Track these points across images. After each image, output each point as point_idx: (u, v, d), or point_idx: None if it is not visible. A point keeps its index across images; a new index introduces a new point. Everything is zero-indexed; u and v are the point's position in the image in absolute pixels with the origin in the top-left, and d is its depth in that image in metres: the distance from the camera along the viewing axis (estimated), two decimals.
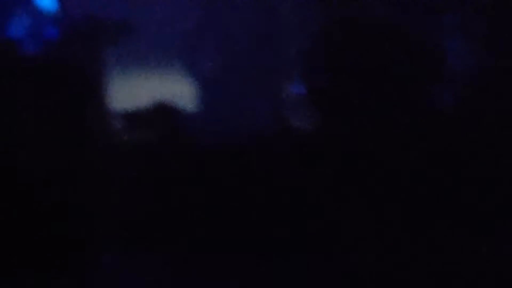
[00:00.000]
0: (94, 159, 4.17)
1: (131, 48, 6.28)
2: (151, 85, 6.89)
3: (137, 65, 6.98)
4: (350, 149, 4.32)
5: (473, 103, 4.78)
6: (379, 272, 3.96)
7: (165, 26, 7.13)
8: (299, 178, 4.23)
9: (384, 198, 4.06)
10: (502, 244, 3.87)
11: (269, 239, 4.11)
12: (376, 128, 4.66)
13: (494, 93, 4.69)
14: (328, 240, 4.04)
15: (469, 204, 3.99)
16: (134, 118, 5.88)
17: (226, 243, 4.20)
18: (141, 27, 6.10)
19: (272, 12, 5.22)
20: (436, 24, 5.08)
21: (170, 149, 5.17)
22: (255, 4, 5.86)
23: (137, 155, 5.23)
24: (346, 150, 4.31)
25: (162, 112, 5.81)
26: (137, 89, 6.73)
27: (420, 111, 4.85)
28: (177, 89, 6.82)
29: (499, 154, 3.96)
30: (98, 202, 4.21)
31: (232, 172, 4.39)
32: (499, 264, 3.85)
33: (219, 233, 4.23)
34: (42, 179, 3.86)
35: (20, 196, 3.81)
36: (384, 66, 4.96)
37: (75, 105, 4.09)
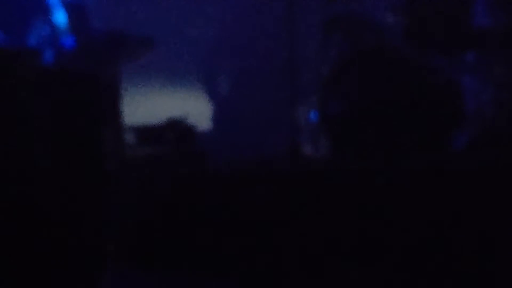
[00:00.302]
0: (108, 171, 3.98)
1: (149, 63, 6.19)
2: (168, 101, 6.78)
3: (154, 81, 6.88)
4: (362, 179, 4.21)
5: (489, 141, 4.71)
6: None
7: (184, 44, 7.04)
8: (311, 204, 4.11)
9: (392, 232, 3.98)
10: None
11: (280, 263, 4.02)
12: (389, 160, 4.56)
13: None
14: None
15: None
16: (149, 132, 5.76)
17: (233, 264, 4.12)
18: (160, 42, 6.02)
19: (291, 38, 5.18)
20: (452, 62, 4.97)
21: (184, 166, 5.05)
22: (274, 28, 5.80)
23: (151, 169, 5.14)
24: (359, 181, 4.21)
25: (177, 129, 5.68)
26: (153, 104, 6.62)
27: (435, 146, 4.77)
28: (193, 107, 6.70)
29: None
30: (110, 213, 4.00)
31: (244, 192, 4.27)
32: None
33: (228, 254, 4.15)
34: (57, 186, 3.67)
35: (32, 200, 3.70)
36: (401, 98, 4.87)
37: (92, 117, 3.92)
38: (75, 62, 5.85)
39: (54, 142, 3.69)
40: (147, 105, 6.49)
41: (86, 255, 3.63)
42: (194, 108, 7.04)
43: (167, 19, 6.77)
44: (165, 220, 4.19)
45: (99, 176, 3.87)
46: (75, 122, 3.82)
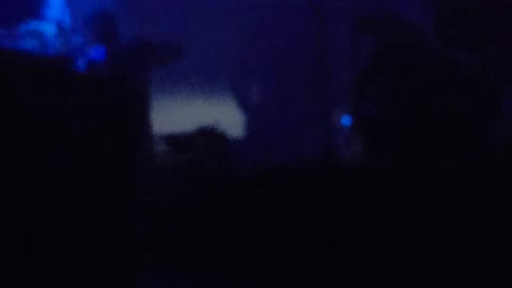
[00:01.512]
0: (138, 180, 4.04)
1: (179, 71, 6.21)
2: (200, 107, 6.78)
3: (184, 88, 6.89)
4: (398, 183, 4.21)
5: None
6: None
7: (214, 50, 7.06)
8: (346, 207, 4.12)
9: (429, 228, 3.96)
10: None
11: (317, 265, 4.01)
12: (426, 160, 4.55)
13: None
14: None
15: None
16: (181, 139, 5.77)
17: (269, 266, 4.12)
18: (189, 50, 6.05)
19: (322, 42, 5.19)
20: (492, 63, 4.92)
21: (215, 174, 5.07)
22: (305, 33, 5.81)
23: (181, 177, 5.14)
24: (394, 184, 4.21)
25: (208, 136, 5.70)
26: (185, 111, 6.62)
27: (474, 148, 4.74)
28: (225, 113, 6.70)
29: None
30: (141, 220, 4.08)
31: (277, 197, 4.27)
32: None
33: (263, 256, 4.15)
34: (90, 194, 3.64)
35: (65, 209, 3.70)
36: (436, 100, 4.86)
37: (123, 124, 3.95)
38: (106, 70, 5.92)
39: (86, 150, 3.68)
40: (178, 111, 6.54)
41: (122, 260, 3.63)
42: (226, 114, 7.05)
43: (198, 25, 6.80)
44: (197, 225, 4.22)
45: (132, 183, 3.86)
46: (106, 129, 3.80)
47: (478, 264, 3.63)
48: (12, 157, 3.42)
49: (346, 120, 5.58)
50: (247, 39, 7.35)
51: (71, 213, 3.51)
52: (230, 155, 5.77)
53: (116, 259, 3.60)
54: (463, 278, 3.63)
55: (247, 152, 6.14)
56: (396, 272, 3.70)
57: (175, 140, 5.76)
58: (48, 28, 5.19)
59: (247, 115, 7.35)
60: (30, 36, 5.11)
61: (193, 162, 5.56)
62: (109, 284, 3.60)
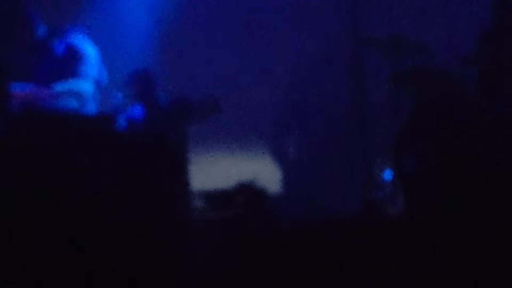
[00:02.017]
0: (177, 235, 4.05)
1: (216, 126, 6.23)
2: (237, 164, 6.77)
3: (222, 144, 6.89)
4: (440, 239, 4.16)
5: None
6: None
7: (251, 105, 7.07)
8: (385, 263, 4.07)
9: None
10: None
11: None
12: (468, 216, 4.49)
13: None
14: None
15: None
16: (218, 197, 5.75)
17: None
18: (226, 106, 6.07)
19: (362, 96, 5.18)
20: None
21: (255, 231, 5.02)
22: (344, 87, 5.81)
23: (219, 234, 5.09)
24: (436, 241, 4.16)
25: (247, 193, 5.68)
26: (221, 167, 6.62)
27: None
28: (262, 170, 6.69)
29: None
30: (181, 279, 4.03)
31: (316, 253, 4.24)
32: None
33: None
34: (129, 250, 3.77)
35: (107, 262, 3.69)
36: (479, 154, 4.80)
37: (161, 180, 4.00)
38: (145, 127, 5.99)
39: (125, 207, 3.80)
40: (216, 168, 6.56)
41: None
42: (264, 169, 7.12)
43: (233, 81, 6.89)
44: (236, 283, 4.18)
45: (170, 241, 3.93)
46: (146, 186, 3.91)
47: None
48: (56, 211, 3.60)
49: (387, 175, 5.58)
50: (285, 94, 7.38)
51: (115, 271, 3.66)
52: (270, 211, 5.76)
53: None
54: None
55: (286, 208, 6.14)
56: None
57: (213, 197, 5.80)
58: (86, 87, 5.26)
59: (286, 170, 7.38)
60: (69, 95, 5.19)
61: (232, 219, 5.52)
62: None
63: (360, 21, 5.35)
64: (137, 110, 6.22)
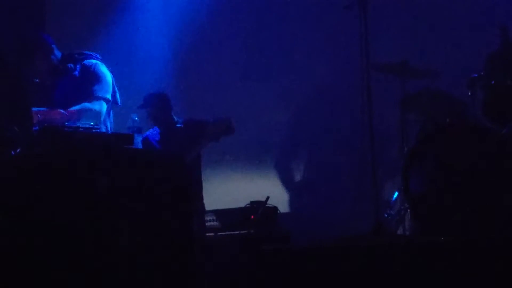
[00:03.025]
0: (191, 252, 4.04)
1: (232, 147, 6.22)
2: (252, 183, 6.77)
3: (237, 163, 6.88)
4: (450, 258, 4.06)
5: None
6: None
7: (266, 128, 7.03)
8: (396, 280, 3.92)
9: None
10: None
11: None
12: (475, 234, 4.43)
13: None
14: None
15: None
16: (232, 214, 5.73)
17: None
18: (242, 129, 6.07)
19: (369, 116, 5.14)
20: None
21: (268, 250, 5.01)
22: (354, 110, 5.71)
23: (233, 250, 5.11)
24: (447, 259, 4.06)
25: (262, 211, 5.67)
26: (234, 188, 6.62)
27: None
28: (275, 189, 6.70)
29: None
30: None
31: (328, 270, 4.09)
32: None
33: None
34: (148, 262, 3.82)
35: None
36: (485, 176, 4.70)
37: (175, 198, 4.04)
38: (161, 147, 6.07)
39: (138, 225, 3.83)
40: (230, 187, 6.62)
41: None
42: (276, 190, 7.10)
43: (246, 104, 6.95)
44: None
45: (185, 257, 3.94)
46: (160, 204, 3.94)
47: None
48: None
49: (396, 196, 5.57)
50: (299, 117, 7.38)
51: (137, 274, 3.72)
52: (282, 231, 5.77)
53: None
54: None
55: (299, 227, 6.06)
56: None
57: (226, 215, 5.82)
58: (99, 107, 5.27)
59: (297, 190, 7.38)
60: (83, 114, 5.15)
61: (246, 237, 5.59)
62: None
63: (372, 48, 5.32)
64: (154, 132, 6.28)
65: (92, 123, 5.06)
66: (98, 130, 4.95)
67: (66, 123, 4.91)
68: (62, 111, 5.12)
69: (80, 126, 5.00)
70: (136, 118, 6.17)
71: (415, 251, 4.05)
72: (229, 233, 5.69)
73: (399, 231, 5.33)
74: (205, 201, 5.76)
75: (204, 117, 6.01)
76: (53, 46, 5.38)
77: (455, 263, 3.84)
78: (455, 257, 3.86)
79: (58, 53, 5.38)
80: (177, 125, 6.17)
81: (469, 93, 5.07)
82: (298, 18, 7.18)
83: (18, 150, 4.25)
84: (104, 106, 5.30)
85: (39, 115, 4.98)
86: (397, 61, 5.56)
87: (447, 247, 3.99)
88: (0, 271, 3.66)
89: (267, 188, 6.81)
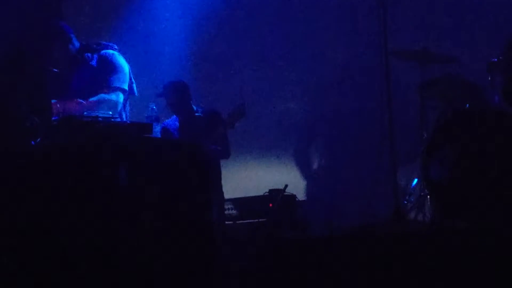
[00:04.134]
0: (211, 238, 4.06)
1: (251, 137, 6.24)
2: (270, 172, 6.76)
3: (257, 153, 6.86)
4: (465, 244, 4.08)
5: None
6: None
7: (284, 117, 7.00)
8: (413, 265, 3.87)
9: None
10: None
11: None
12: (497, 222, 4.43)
13: None
14: None
15: None
16: (248, 201, 5.67)
17: None
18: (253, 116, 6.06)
19: (389, 104, 5.15)
20: None
21: (288, 237, 5.04)
22: (373, 97, 5.68)
23: (251, 237, 5.11)
24: (462, 245, 4.08)
25: (280, 198, 5.67)
26: (255, 175, 6.62)
27: None
28: (293, 177, 6.70)
29: None
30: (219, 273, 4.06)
31: (347, 256, 4.11)
32: None
33: None
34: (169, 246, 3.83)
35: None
36: (505, 162, 4.70)
37: (193, 185, 4.08)
38: (179, 135, 6.12)
39: (159, 213, 3.86)
40: (248, 176, 6.67)
41: None
42: (294, 179, 7.15)
43: (263, 93, 7.01)
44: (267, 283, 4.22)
45: (206, 249, 3.99)
46: (179, 191, 3.97)
47: None
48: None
49: (415, 182, 5.55)
50: (318, 107, 7.40)
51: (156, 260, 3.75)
52: (301, 218, 5.79)
53: None
54: None
55: (317, 215, 6.14)
56: None
57: (245, 203, 5.88)
58: (116, 97, 5.31)
59: (315, 179, 7.41)
60: (101, 104, 5.22)
61: (264, 224, 5.64)
62: None
63: (391, 35, 5.34)
64: (172, 121, 6.35)
65: (110, 113, 5.20)
66: (117, 120, 5.01)
67: (85, 113, 4.90)
68: (81, 100, 5.16)
69: (99, 116, 5.10)
70: (154, 107, 6.20)
71: (436, 238, 4.02)
72: (248, 221, 5.72)
73: (419, 218, 5.30)
74: (224, 189, 5.80)
75: (221, 106, 6.09)
76: (72, 35, 5.38)
77: (474, 250, 3.80)
78: (475, 244, 3.82)
79: (76, 43, 5.39)
80: (196, 114, 6.20)
81: (489, 78, 5.04)
82: (316, 6, 7.19)
83: (38, 140, 4.25)
84: (121, 97, 5.32)
85: (58, 105, 5.03)
86: (417, 48, 5.55)
87: (467, 234, 3.97)
88: (31, 252, 3.67)
89: (284, 176, 6.87)
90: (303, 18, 7.23)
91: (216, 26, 7.39)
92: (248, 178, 6.54)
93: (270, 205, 5.74)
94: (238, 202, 5.89)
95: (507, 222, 4.38)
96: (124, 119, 5.40)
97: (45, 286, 3.70)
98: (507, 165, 4.62)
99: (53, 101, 4.97)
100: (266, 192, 5.92)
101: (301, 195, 6.48)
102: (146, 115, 5.69)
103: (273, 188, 5.94)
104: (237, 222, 5.76)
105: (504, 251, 3.77)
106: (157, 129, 5.79)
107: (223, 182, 5.81)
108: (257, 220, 5.69)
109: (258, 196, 5.89)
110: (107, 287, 3.64)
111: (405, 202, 5.53)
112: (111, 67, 5.35)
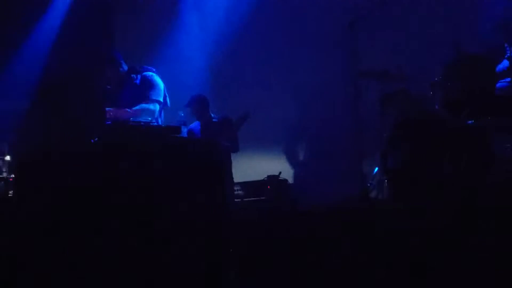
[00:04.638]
0: (226, 212, 4.07)
1: (251, 135, 6.24)
2: (267, 162, 6.70)
3: (256, 148, 6.78)
4: (415, 218, 3.88)
5: None
6: None
7: (276, 120, 6.87)
8: (375, 231, 3.86)
9: None
10: None
11: None
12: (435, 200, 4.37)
13: None
14: None
15: None
16: (253, 184, 5.76)
17: None
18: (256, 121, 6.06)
19: (357, 111, 5.07)
20: (479, 122, 4.69)
21: (280, 210, 5.10)
22: (345, 104, 5.58)
23: (257, 211, 5.14)
24: (411, 216, 3.87)
25: (274, 182, 5.67)
26: (256, 164, 6.58)
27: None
28: (284, 166, 6.63)
29: None
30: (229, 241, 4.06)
31: (325, 226, 4.11)
32: None
33: None
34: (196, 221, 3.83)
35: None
36: (444, 153, 4.55)
37: (211, 173, 4.07)
38: (201, 135, 6.23)
39: (188, 192, 3.91)
40: (251, 165, 6.71)
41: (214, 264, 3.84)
42: (285, 167, 7.19)
43: (260, 103, 6.98)
44: (267, 245, 4.24)
45: (222, 219, 4.04)
46: (200, 177, 3.98)
47: None
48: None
49: (376, 170, 5.70)
50: (303, 112, 7.36)
51: (180, 234, 3.79)
52: (291, 197, 5.86)
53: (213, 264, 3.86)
54: None
55: (302, 195, 6.08)
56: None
57: (249, 186, 5.90)
58: (154, 107, 5.39)
59: (301, 167, 7.43)
60: (142, 113, 5.32)
61: (263, 201, 5.74)
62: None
63: (359, 58, 5.15)
64: (196, 125, 6.43)
65: (149, 119, 5.28)
66: (154, 124, 5.27)
67: (131, 119, 5.17)
68: (128, 109, 5.28)
69: (141, 121, 5.17)
70: (182, 114, 6.23)
71: (390, 212, 4.07)
72: (251, 199, 5.79)
73: (379, 197, 5.42)
74: (233, 175, 5.86)
75: (231, 112, 6.18)
76: (121, 61, 5.51)
77: (422, 222, 3.83)
78: (423, 218, 3.86)
79: (125, 66, 5.51)
80: (213, 120, 6.26)
81: (431, 92, 5.07)
82: (299, 35, 7.21)
83: (96, 139, 4.24)
84: (157, 107, 5.41)
85: (111, 113, 5.14)
86: (378, 70, 5.58)
87: (416, 210, 3.98)
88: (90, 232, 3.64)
89: (279, 165, 6.89)
90: (288, 50, 7.28)
91: (229, 48, 7.37)
92: (251, 167, 6.55)
93: (268, 187, 5.82)
94: (244, 185, 5.92)
95: (442, 200, 4.31)
96: (160, 124, 5.44)
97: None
98: (445, 157, 4.60)
99: (107, 109, 5.05)
100: (265, 177, 5.98)
101: (290, 180, 6.58)
102: (176, 119, 5.78)
103: (270, 174, 6.00)
104: (244, 200, 5.81)
105: (440, 223, 3.80)
106: (184, 131, 5.80)
107: (233, 170, 5.86)
108: (258, 198, 5.78)
109: (259, 180, 5.94)
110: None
111: (368, 185, 5.57)
112: (150, 85, 5.44)
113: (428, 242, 3.79)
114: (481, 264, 3.58)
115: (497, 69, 5.04)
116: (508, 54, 5.11)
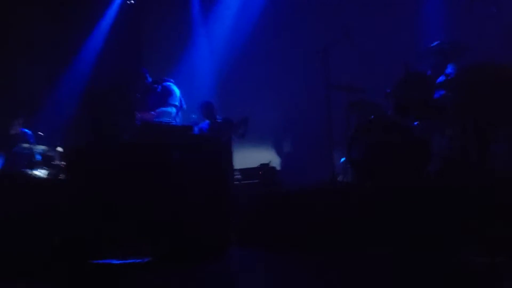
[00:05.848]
0: (228, 192, 4.09)
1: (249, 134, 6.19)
2: (259, 153, 6.65)
3: (251, 142, 6.73)
4: (373, 193, 4.02)
5: None
6: None
7: (265, 121, 6.80)
8: (343, 208, 3.99)
9: None
10: None
11: None
12: (390, 181, 4.43)
13: None
14: None
15: None
16: (249, 171, 5.73)
17: None
18: (253, 122, 5.98)
19: (329, 115, 5.14)
20: (424, 124, 4.80)
21: (270, 191, 5.02)
22: (318, 110, 5.52)
23: (251, 191, 5.04)
24: (371, 194, 4.03)
25: (265, 169, 5.68)
26: (250, 155, 6.53)
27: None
28: (273, 157, 6.62)
29: None
30: (231, 216, 4.06)
31: (304, 203, 4.15)
32: None
33: None
34: (203, 204, 3.87)
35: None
36: (394, 147, 4.62)
37: (216, 162, 4.11)
38: (209, 134, 6.15)
39: (200, 176, 3.95)
40: (247, 155, 6.60)
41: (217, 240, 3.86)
42: (274, 157, 7.17)
43: (255, 107, 6.90)
44: (260, 218, 4.34)
45: (225, 198, 4.14)
46: (208, 164, 4.07)
47: None
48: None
49: (343, 160, 5.61)
50: (286, 116, 7.37)
51: (190, 211, 3.82)
52: (277, 181, 5.87)
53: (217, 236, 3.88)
54: None
55: (287, 178, 6.10)
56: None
57: (246, 171, 5.91)
58: (172, 110, 5.39)
59: (286, 157, 7.42)
60: (163, 115, 5.34)
61: (257, 184, 5.74)
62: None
63: (329, 73, 5.20)
64: (204, 124, 6.36)
65: (168, 119, 5.34)
66: (172, 124, 5.30)
67: (155, 119, 5.22)
68: (152, 112, 5.32)
69: (163, 121, 5.23)
70: (194, 116, 6.28)
71: (356, 192, 4.18)
72: (247, 182, 5.76)
73: (344, 180, 5.36)
74: (234, 163, 5.72)
75: (233, 117, 6.07)
76: (147, 75, 5.54)
77: (378, 200, 3.98)
78: (380, 198, 3.99)
79: (149, 78, 5.55)
80: (218, 121, 6.22)
81: (386, 101, 5.09)
82: (289, 57, 7.12)
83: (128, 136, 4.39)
84: (174, 110, 5.42)
85: (138, 115, 5.18)
86: (344, 84, 5.49)
87: (373, 190, 4.13)
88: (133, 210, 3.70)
89: (269, 156, 6.91)
90: (276, 67, 7.19)
91: (232, 59, 7.27)
92: (247, 156, 6.48)
93: (260, 172, 5.83)
94: (241, 171, 5.91)
95: (397, 183, 4.37)
96: (177, 123, 5.44)
97: None
98: (394, 148, 4.61)
99: (136, 113, 5.14)
100: (258, 165, 6.00)
101: (278, 167, 6.56)
102: (190, 120, 5.81)
103: (262, 162, 6.04)
104: (241, 182, 5.78)
105: (393, 202, 3.90)
106: (196, 129, 5.89)
107: (234, 159, 5.67)
108: (252, 181, 5.75)
109: (253, 167, 5.94)
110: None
111: (338, 170, 5.53)
112: (169, 92, 5.46)
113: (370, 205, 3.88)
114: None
115: (437, 81, 5.00)
116: (446, 71, 5.08)
